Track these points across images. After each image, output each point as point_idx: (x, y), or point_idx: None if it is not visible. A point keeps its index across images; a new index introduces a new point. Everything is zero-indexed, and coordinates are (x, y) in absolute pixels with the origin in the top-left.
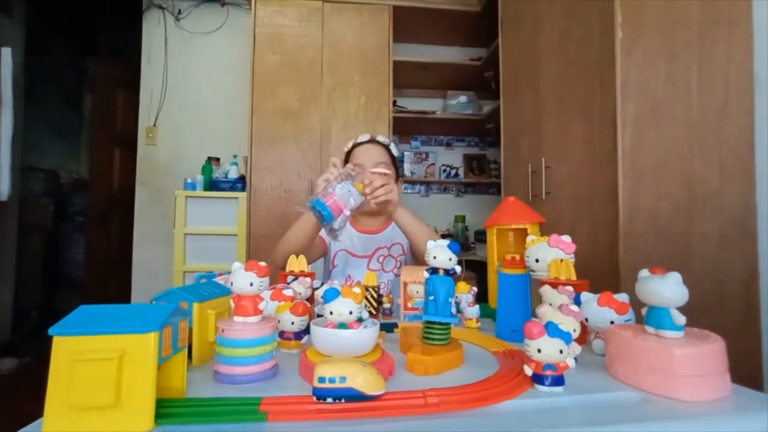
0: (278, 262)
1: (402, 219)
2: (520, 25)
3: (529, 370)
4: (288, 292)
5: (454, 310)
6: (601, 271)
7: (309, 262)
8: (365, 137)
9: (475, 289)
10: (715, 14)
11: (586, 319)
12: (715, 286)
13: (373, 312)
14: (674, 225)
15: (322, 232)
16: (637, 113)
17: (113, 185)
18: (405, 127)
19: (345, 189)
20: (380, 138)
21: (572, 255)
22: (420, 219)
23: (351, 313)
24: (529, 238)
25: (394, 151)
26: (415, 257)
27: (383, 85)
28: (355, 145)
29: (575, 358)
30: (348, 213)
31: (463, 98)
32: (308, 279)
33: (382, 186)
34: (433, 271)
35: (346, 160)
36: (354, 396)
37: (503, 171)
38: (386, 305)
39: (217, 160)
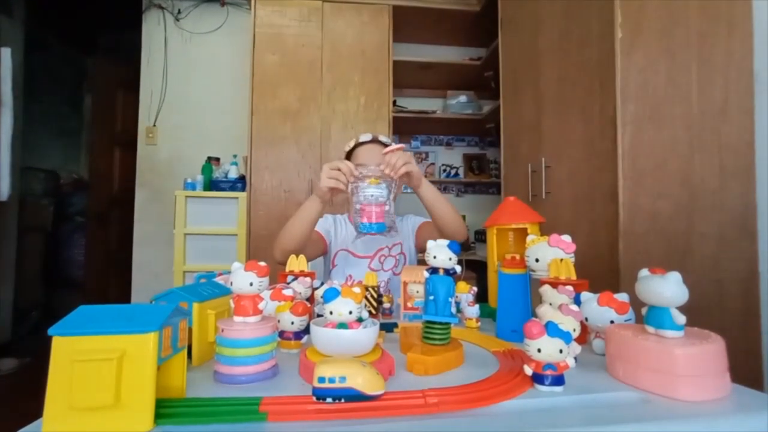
0: (278, 256)
1: (427, 194)
2: (519, 24)
3: (529, 370)
4: (288, 292)
5: (453, 309)
6: (601, 270)
7: (309, 260)
8: (367, 137)
9: (475, 288)
10: (715, 14)
11: (586, 319)
12: (715, 285)
13: (373, 312)
14: (674, 225)
15: (320, 229)
16: (636, 113)
17: (113, 185)
18: (405, 126)
19: (368, 194)
20: (382, 138)
21: (572, 255)
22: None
23: (351, 312)
24: (529, 238)
25: None
26: (442, 233)
27: (383, 84)
28: (357, 145)
29: (575, 358)
30: (387, 207)
31: (462, 98)
32: (308, 279)
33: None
34: (433, 270)
35: (347, 159)
36: (354, 396)
37: (503, 171)
38: (386, 305)
39: (217, 160)
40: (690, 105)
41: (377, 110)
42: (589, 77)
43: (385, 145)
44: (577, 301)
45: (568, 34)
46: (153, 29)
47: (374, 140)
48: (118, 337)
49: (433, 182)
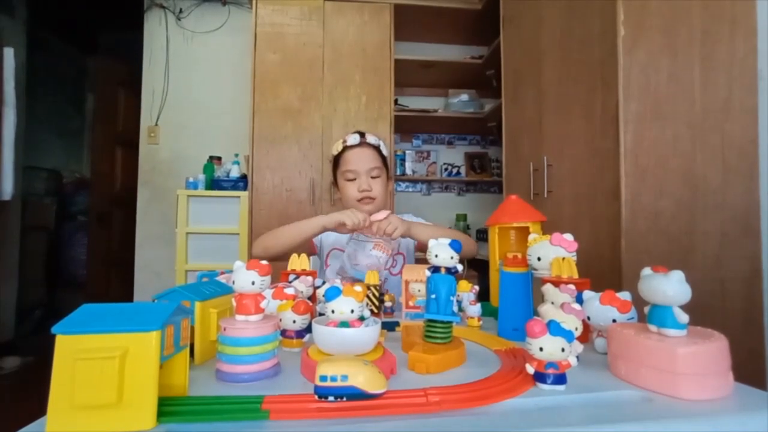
0: (258, 251)
1: (420, 234)
2: (521, 23)
3: (530, 369)
4: (289, 291)
5: (455, 308)
6: (603, 269)
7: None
8: (355, 140)
9: (476, 287)
10: (718, 12)
11: (588, 318)
12: (718, 284)
13: (375, 310)
14: (677, 223)
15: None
16: (639, 111)
17: (115, 184)
18: (406, 125)
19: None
20: (370, 139)
21: (574, 253)
22: (434, 225)
23: (353, 311)
24: (530, 237)
25: (384, 151)
26: None
27: (384, 83)
28: (345, 149)
29: (577, 357)
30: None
31: (464, 96)
32: (309, 278)
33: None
34: (435, 269)
35: (336, 164)
36: (355, 394)
37: (505, 169)
38: (388, 303)
39: (219, 159)
40: (693, 103)
41: (378, 109)
42: (591, 75)
43: (374, 147)
44: (579, 299)
45: (570, 32)
46: (154, 28)
47: (362, 143)
48: (120, 335)
49: (434, 181)
